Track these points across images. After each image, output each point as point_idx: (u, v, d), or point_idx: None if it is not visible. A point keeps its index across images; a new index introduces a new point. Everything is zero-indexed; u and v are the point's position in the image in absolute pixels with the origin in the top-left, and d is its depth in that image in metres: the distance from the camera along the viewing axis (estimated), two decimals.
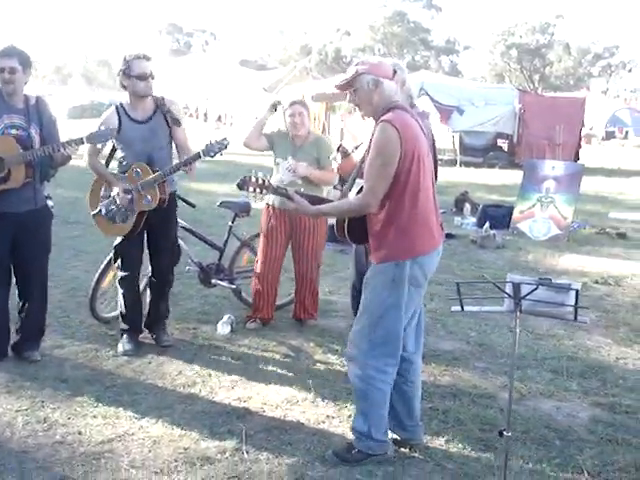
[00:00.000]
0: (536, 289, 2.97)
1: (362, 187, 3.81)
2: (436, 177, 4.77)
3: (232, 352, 5.51)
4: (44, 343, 5.48)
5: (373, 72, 3.67)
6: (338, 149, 4.83)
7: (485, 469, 3.82)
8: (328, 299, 6.82)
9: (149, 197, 5.06)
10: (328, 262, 7.95)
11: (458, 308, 3.25)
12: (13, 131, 4.82)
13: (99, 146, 5.12)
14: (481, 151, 20.68)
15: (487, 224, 9.83)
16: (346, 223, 3.85)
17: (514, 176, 14.66)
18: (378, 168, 3.60)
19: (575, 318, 3.07)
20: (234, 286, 6.34)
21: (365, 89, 3.67)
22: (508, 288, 3.06)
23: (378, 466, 3.84)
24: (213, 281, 6.28)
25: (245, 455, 3.97)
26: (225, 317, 6.00)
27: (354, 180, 3.93)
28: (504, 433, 3.20)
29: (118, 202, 5.19)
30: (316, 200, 3.91)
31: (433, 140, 4.89)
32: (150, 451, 4.02)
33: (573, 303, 2.98)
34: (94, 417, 4.41)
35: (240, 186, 3.88)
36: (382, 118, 3.61)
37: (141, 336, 5.66)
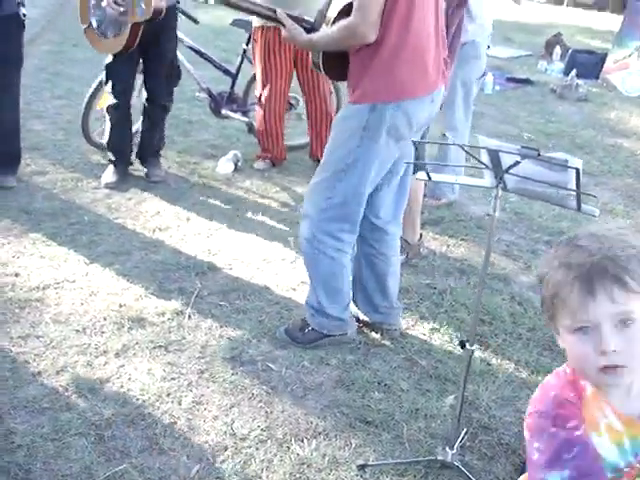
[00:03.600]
0: (519, 163, 2.08)
1: (350, 4, 2.90)
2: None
3: (226, 195, 4.83)
4: (28, 168, 4.98)
5: None
6: None
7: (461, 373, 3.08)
8: None
9: (142, 6, 4.25)
10: None
11: (423, 176, 2.39)
12: None
13: None
14: None
15: (574, 72, 8.54)
16: (321, 54, 2.97)
17: None
18: None
19: (578, 207, 2.19)
20: (247, 119, 5.57)
21: None
22: (484, 156, 2.18)
23: (333, 353, 3.16)
24: (224, 111, 5.53)
25: (185, 320, 3.36)
26: (230, 154, 5.28)
27: None
28: (466, 345, 2.42)
29: (108, 13, 4.40)
30: (308, 26, 3.01)
31: None
32: (82, 304, 3.45)
33: (574, 186, 2.10)
34: (41, 257, 3.86)
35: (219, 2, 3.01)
36: None
37: (131, 168, 5.03)
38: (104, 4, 4.39)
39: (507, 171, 2.14)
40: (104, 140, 5.04)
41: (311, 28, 3.01)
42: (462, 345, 2.44)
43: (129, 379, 2.95)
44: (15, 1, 4.38)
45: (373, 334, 3.33)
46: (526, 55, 10.31)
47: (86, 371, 2.98)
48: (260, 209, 4.63)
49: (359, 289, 3.28)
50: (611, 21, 14.70)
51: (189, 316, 3.39)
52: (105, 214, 4.43)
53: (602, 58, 9.17)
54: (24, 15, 4.47)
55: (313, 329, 3.18)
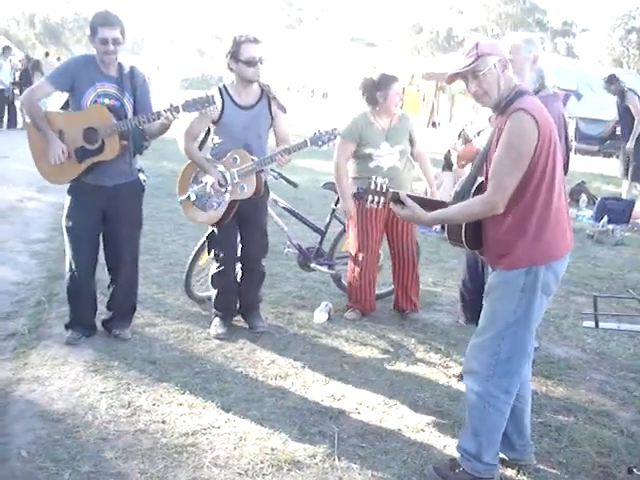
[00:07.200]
0: None
1: (480, 184, 3.37)
2: (567, 168, 4.32)
3: (328, 343, 5.20)
4: (136, 320, 5.33)
5: (497, 53, 3.22)
6: (459, 135, 4.41)
7: None
8: (432, 291, 6.43)
9: (245, 186, 4.79)
10: (431, 250, 7.56)
11: (591, 324, 2.82)
12: (106, 100, 4.60)
13: (197, 131, 4.93)
14: (598, 139, 19.55)
15: (605, 218, 9.18)
16: (463, 229, 3.41)
17: None
18: (511, 162, 3.12)
19: None
20: (334, 272, 6.04)
21: (493, 73, 3.19)
22: None
23: None
24: (312, 265, 6.00)
25: (336, 462, 3.66)
26: (322, 304, 5.71)
27: (474, 178, 3.46)
28: (634, 471, 2.76)
29: (210, 191, 4.93)
30: (426, 203, 3.47)
31: (565, 126, 4.41)
32: (235, 449, 3.76)
33: None
34: (180, 405, 4.19)
35: (360, 195, 3.52)
36: (518, 106, 3.13)
37: (235, 319, 5.43)
38: (206, 184, 4.91)
39: None
40: (209, 292, 5.46)
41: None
42: (630, 471, 2.77)
43: None
44: (136, 168, 4.91)
45: (509, 470, 3.63)
46: None
47: None
48: (363, 356, 4.99)
49: None
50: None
51: (339, 458, 3.69)
52: (224, 363, 4.77)
53: (629, 204, 9.81)
54: (144, 180, 5.00)
55: (464, 471, 3.47)
